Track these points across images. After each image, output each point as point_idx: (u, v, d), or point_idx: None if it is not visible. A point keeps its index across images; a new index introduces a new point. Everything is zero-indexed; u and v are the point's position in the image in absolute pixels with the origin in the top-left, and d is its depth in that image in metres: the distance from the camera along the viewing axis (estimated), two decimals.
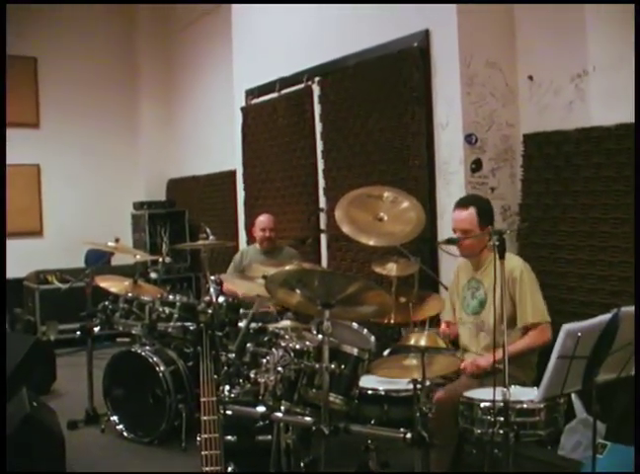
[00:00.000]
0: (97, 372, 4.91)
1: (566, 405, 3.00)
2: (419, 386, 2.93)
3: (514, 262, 3.46)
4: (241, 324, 4.22)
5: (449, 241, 3.44)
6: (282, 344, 3.31)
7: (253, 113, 6.67)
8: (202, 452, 2.35)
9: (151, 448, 4.46)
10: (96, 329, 4.95)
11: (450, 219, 3.68)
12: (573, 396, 3.46)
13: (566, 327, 2.43)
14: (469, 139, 4.43)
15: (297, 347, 3.25)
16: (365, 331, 3.61)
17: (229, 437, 3.40)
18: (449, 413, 3.04)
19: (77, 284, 6.01)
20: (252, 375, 3.53)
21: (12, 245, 7.85)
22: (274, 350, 3.36)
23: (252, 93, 6.65)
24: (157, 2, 8.94)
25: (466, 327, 3.60)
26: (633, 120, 3.69)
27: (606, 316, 2.49)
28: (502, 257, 2.82)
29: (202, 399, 2.37)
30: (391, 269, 3.86)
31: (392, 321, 3.80)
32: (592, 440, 2.76)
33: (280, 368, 3.20)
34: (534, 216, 4.34)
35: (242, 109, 6.83)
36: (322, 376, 2.93)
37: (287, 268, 3.66)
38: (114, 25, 9.25)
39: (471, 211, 3.52)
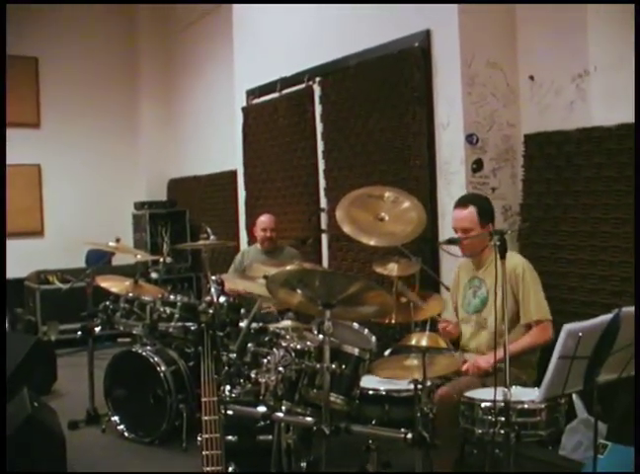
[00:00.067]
0: (98, 372, 4.91)
1: (567, 405, 2.99)
2: (420, 386, 2.94)
3: (516, 259, 3.47)
4: (242, 324, 4.22)
5: (450, 241, 3.44)
6: (283, 344, 3.32)
7: (254, 113, 6.67)
8: (203, 452, 2.35)
9: (152, 448, 4.46)
10: (97, 329, 4.95)
11: (451, 219, 3.68)
12: (574, 396, 3.46)
13: (567, 327, 2.43)
14: (470, 139, 4.43)
15: (298, 347, 3.25)
16: (366, 331, 3.61)
17: (230, 438, 3.40)
18: (451, 411, 3.04)
19: (78, 284, 6.01)
20: (253, 375, 3.53)
21: (13, 245, 7.86)
22: (275, 350, 3.36)
23: (253, 93, 6.65)
24: (158, 2, 8.94)
25: (468, 325, 3.60)
26: (634, 121, 3.69)
27: (608, 316, 2.49)
28: (503, 257, 2.82)
29: (203, 399, 2.37)
30: (392, 269, 3.86)
31: (393, 321, 3.80)
32: (593, 441, 2.77)
33: (280, 368, 3.20)
34: (535, 216, 4.34)
35: (243, 109, 6.83)
36: (323, 376, 2.93)
37: (288, 268, 3.66)
38: (114, 25, 9.26)
39: (471, 210, 3.52)
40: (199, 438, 2.40)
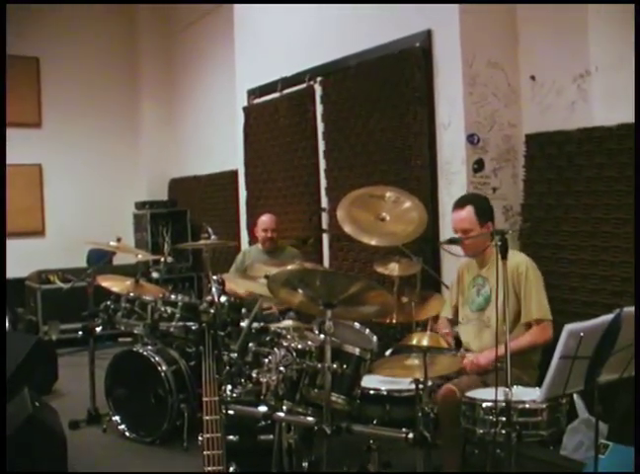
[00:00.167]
0: (99, 372, 4.91)
1: (568, 405, 2.99)
2: (421, 386, 2.94)
3: (519, 258, 3.47)
4: (243, 324, 4.22)
5: (451, 241, 3.44)
6: (285, 343, 3.32)
7: (255, 112, 6.67)
8: (204, 452, 2.35)
9: (153, 448, 4.46)
10: (98, 329, 4.95)
11: (451, 221, 3.68)
12: (575, 396, 3.46)
13: (568, 327, 2.43)
14: (471, 139, 4.43)
15: (299, 346, 3.25)
16: (367, 331, 3.61)
17: (231, 437, 3.40)
18: (453, 410, 3.03)
19: (79, 284, 6.01)
20: (254, 375, 3.54)
21: (14, 245, 7.86)
22: (276, 349, 3.36)
23: (254, 93, 6.65)
24: (158, 2, 8.94)
25: (470, 324, 3.59)
26: (634, 121, 3.69)
27: (609, 316, 2.49)
28: (504, 257, 2.82)
29: (204, 399, 2.37)
30: (393, 269, 3.87)
31: (394, 321, 3.80)
32: (594, 441, 2.77)
33: (282, 368, 3.20)
34: (536, 216, 4.34)
35: (244, 108, 6.83)
36: (324, 376, 2.94)
37: (290, 267, 3.67)
38: (115, 25, 9.26)
39: (469, 210, 3.52)
40: (200, 438, 2.41)
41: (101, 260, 7.01)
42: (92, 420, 4.89)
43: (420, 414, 2.89)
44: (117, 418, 4.68)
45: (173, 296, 4.81)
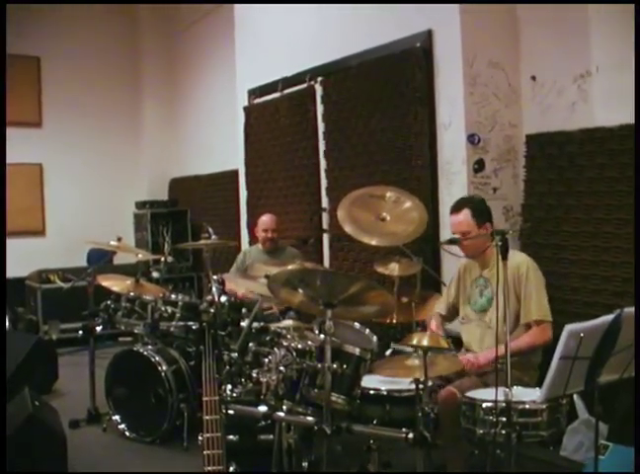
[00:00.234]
0: (99, 372, 4.91)
1: (568, 406, 2.99)
2: (421, 386, 2.94)
3: (520, 258, 3.47)
4: (243, 323, 4.22)
5: (452, 241, 3.44)
6: (285, 343, 3.32)
7: (255, 112, 6.67)
8: (204, 452, 2.35)
9: (153, 448, 4.46)
10: (98, 328, 4.95)
11: (449, 226, 3.68)
12: (575, 397, 3.46)
13: (569, 327, 2.43)
14: (472, 139, 4.43)
15: (299, 346, 3.25)
16: (368, 331, 3.60)
17: (231, 437, 3.40)
18: (455, 413, 3.03)
19: (79, 284, 6.01)
20: (254, 375, 3.54)
21: (14, 244, 7.86)
22: (276, 349, 3.36)
23: (254, 93, 6.65)
24: (159, 2, 8.94)
25: (472, 324, 3.59)
26: (634, 121, 3.68)
27: (609, 317, 2.49)
28: (504, 257, 2.82)
29: (205, 398, 2.37)
30: (393, 269, 3.87)
31: (394, 321, 3.80)
32: (594, 441, 2.76)
33: (282, 368, 3.20)
34: (537, 217, 4.34)
35: (244, 108, 6.83)
36: (324, 376, 2.94)
37: (290, 267, 3.66)
38: (116, 25, 9.26)
39: (465, 213, 3.52)
40: (200, 438, 2.40)
41: (101, 259, 7.01)
42: (92, 419, 4.89)
43: (420, 414, 2.89)
44: (117, 417, 4.68)
45: (173, 296, 4.81)
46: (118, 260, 7.66)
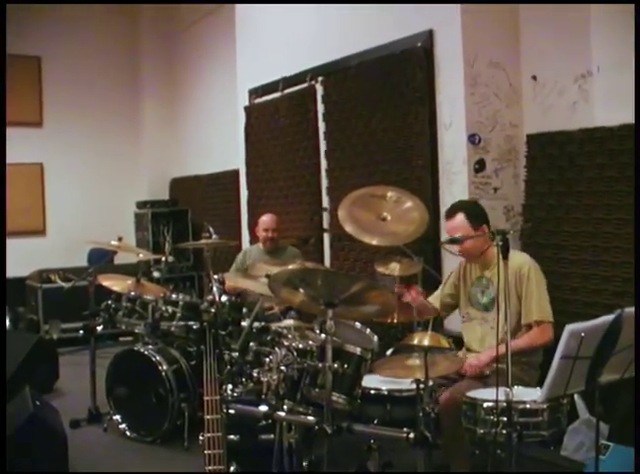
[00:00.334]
0: (100, 371, 4.92)
1: (569, 405, 2.99)
2: (422, 386, 2.94)
3: (522, 258, 3.47)
4: (244, 323, 4.22)
5: (452, 241, 3.44)
6: (285, 343, 3.32)
7: (256, 112, 6.67)
8: (205, 451, 2.36)
9: (154, 447, 4.46)
10: (99, 328, 4.95)
11: (445, 232, 3.69)
12: (576, 397, 3.47)
13: (569, 327, 2.43)
14: (472, 139, 4.43)
15: (300, 346, 3.25)
16: (368, 330, 3.61)
17: (232, 437, 3.40)
18: (456, 414, 3.03)
19: (80, 283, 6.00)
20: (255, 374, 3.54)
21: (15, 244, 7.87)
22: (277, 349, 3.36)
23: (255, 92, 6.66)
24: (160, 2, 8.95)
25: (474, 323, 3.60)
26: (634, 121, 3.69)
27: (610, 317, 2.49)
28: (505, 257, 2.82)
29: (205, 398, 2.37)
30: (394, 268, 3.86)
31: (395, 320, 3.80)
32: (595, 441, 2.77)
33: (282, 367, 3.20)
34: (538, 217, 4.34)
35: (245, 108, 6.83)
36: (325, 376, 2.93)
37: (291, 267, 3.66)
38: (117, 24, 9.26)
39: (460, 217, 3.53)
40: (200, 438, 2.41)
41: (102, 259, 7.02)
42: (93, 419, 4.89)
43: (421, 414, 2.88)
44: (117, 417, 4.68)
45: (174, 296, 4.81)
46: (118, 259, 7.66)
